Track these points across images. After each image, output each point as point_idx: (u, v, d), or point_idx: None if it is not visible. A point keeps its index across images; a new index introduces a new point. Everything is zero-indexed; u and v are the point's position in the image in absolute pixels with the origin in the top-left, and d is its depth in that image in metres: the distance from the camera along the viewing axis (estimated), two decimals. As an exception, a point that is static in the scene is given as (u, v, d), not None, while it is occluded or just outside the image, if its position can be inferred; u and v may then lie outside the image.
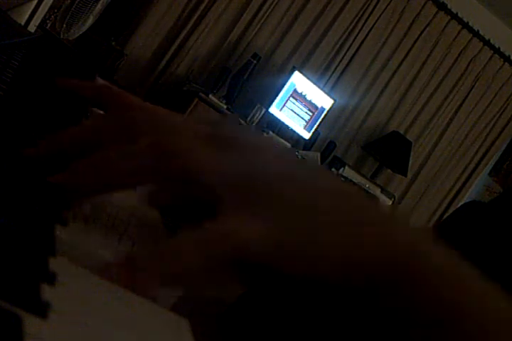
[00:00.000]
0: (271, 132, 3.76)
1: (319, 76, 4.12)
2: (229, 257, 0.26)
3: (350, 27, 4.15)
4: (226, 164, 0.28)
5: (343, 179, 3.83)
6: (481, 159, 4.65)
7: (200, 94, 3.47)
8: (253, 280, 0.28)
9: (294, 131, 3.93)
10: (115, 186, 0.29)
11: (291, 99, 3.87)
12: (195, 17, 3.78)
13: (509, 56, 4.51)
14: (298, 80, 3.87)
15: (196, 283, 0.26)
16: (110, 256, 0.28)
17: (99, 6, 2.38)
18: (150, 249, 0.28)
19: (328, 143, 4.14)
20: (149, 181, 0.29)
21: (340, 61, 4.19)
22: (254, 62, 3.73)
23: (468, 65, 4.46)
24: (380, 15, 4.19)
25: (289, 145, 3.82)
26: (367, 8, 4.14)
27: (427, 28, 4.31)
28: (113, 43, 3.35)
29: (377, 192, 4.06)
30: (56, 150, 0.31)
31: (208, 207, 0.28)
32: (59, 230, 0.26)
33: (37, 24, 1.16)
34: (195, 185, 0.28)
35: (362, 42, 4.20)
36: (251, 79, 3.77)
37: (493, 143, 4.66)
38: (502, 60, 4.52)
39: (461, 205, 0.57)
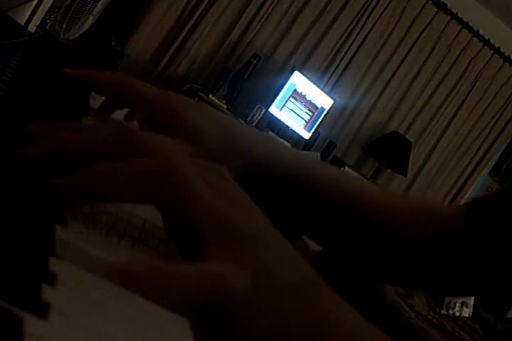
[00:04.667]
0: (271, 132, 3.76)
1: (319, 76, 4.12)
2: (204, 299, 0.26)
3: (350, 27, 4.15)
4: (225, 210, 0.28)
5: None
6: (481, 159, 4.65)
7: (200, 94, 3.48)
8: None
9: (294, 131, 3.93)
10: (110, 198, 0.29)
11: (291, 99, 3.87)
12: (195, 17, 3.78)
13: (509, 56, 4.51)
14: (298, 80, 3.87)
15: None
16: (109, 257, 0.28)
17: (99, 6, 2.38)
18: (146, 262, 0.27)
19: (328, 143, 4.14)
20: (143, 202, 0.29)
21: (340, 61, 4.19)
22: (254, 62, 3.73)
23: (468, 65, 4.46)
24: (380, 15, 4.19)
25: (288, 145, 3.82)
26: (367, 8, 4.14)
27: (427, 28, 4.31)
28: (113, 43, 3.35)
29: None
30: (55, 151, 0.31)
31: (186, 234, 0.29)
32: (59, 230, 0.26)
33: (37, 24, 1.16)
34: (182, 216, 0.28)
35: (362, 42, 4.20)
36: (251, 79, 3.77)
37: (493, 143, 4.66)
38: (502, 60, 4.52)
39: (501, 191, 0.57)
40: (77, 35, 2.53)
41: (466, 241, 0.52)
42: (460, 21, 4.36)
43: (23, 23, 1.03)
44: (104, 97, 0.51)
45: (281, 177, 0.53)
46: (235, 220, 0.28)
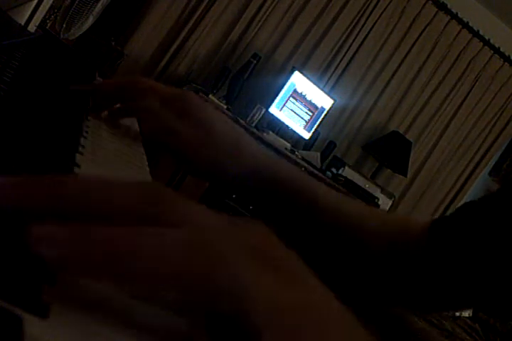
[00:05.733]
0: (271, 132, 3.76)
1: (319, 76, 4.12)
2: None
3: (350, 27, 4.15)
4: (285, 295, 0.23)
5: (342, 179, 3.83)
6: (481, 159, 4.65)
7: (200, 94, 3.47)
8: None
9: (294, 131, 3.93)
10: (121, 278, 0.21)
11: (291, 99, 3.87)
12: (195, 17, 3.78)
13: (509, 56, 4.51)
14: (298, 80, 3.87)
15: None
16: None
17: (99, 6, 2.38)
18: None
19: (328, 143, 4.14)
20: (168, 289, 0.22)
21: (340, 61, 4.19)
22: (254, 62, 3.72)
23: (468, 65, 4.46)
24: (380, 15, 4.19)
25: (288, 145, 3.82)
26: (367, 8, 4.14)
27: (427, 28, 4.31)
28: (113, 43, 3.35)
29: (377, 192, 4.06)
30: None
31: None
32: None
33: (37, 24, 1.16)
34: (227, 307, 0.22)
35: (362, 42, 4.20)
36: (251, 79, 3.77)
37: (493, 143, 4.66)
38: (502, 60, 4.51)
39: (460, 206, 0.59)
40: (77, 35, 2.53)
41: (425, 257, 0.53)
42: (460, 21, 4.36)
43: (23, 23, 1.03)
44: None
45: (280, 190, 0.55)
46: (298, 306, 0.23)
